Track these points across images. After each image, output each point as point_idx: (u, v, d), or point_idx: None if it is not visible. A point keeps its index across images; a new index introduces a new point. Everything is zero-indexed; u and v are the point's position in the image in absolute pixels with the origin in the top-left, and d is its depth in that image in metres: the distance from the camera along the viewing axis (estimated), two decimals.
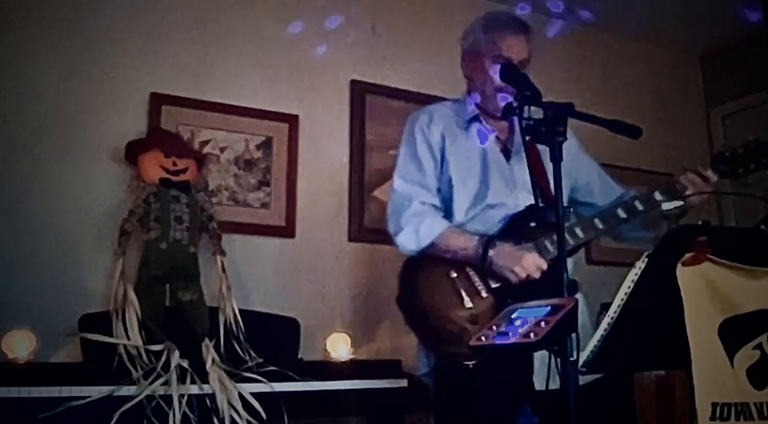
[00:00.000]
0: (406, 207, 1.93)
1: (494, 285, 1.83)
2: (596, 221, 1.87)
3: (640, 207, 1.86)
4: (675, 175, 1.93)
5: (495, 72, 1.89)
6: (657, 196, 1.85)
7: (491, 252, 1.79)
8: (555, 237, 1.76)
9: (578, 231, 1.85)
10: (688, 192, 1.81)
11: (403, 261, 1.98)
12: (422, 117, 2.04)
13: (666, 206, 1.78)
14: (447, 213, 1.98)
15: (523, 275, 1.77)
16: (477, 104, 2.01)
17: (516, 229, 1.87)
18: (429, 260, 1.90)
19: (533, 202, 1.84)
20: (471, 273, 1.85)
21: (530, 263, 1.78)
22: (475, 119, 2.01)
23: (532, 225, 1.86)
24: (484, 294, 1.82)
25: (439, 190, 1.99)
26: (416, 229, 1.89)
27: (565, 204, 1.79)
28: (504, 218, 1.92)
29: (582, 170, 2.09)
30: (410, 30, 3.40)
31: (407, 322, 1.91)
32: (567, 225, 1.80)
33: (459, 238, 1.87)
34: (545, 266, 1.78)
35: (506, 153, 1.99)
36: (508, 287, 1.81)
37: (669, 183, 1.88)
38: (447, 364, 1.84)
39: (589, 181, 2.11)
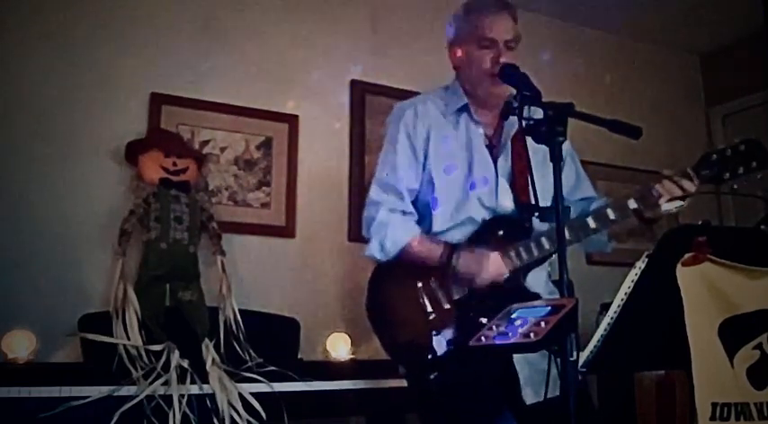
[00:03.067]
0: (374, 216, 1.90)
1: (456, 296, 1.82)
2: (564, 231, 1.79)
3: (612, 216, 1.77)
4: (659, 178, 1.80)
5: (481, 55, 1.84)
6: (632, 204, 1.76)
7: (454, 259, 1.78)
8: (521, 247, 1.78)
9: (544, 241, 1.77)
10: (662, 200, 1.73)
11: (373, 268, 1.96)
12: (408, 112, 1.94)
13: (666, 206, 1.76)
14: (425, 219, 1.92)
15: (488, 279, 1.75)
16: (467, 92, 1.93)
17: (483, 238, 1.84)
18: (397, 268, 1.88)
19: (516, 207, 1.83)
20: (435, 285, 1.83)
21: (493, 268, 1.75)
22: (464, 108, 1.93)
23: (500, 233, 1.83)
24: (446, 305, 1.81)
25: (417, 194, 1.93)
26: (382, 239, 1.87)
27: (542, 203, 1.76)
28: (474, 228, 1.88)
29: (564, 169, 1.95)
30: (410, 30, 3.39)
31: (374, 330, 1.90)
32: (533, 234, 1.79)
33: (424, 245, 1.84)
34: (507, 272, 1.76)
35: (493, 152, 1.90)
36: (470, 300, 1.80)
37: (644, 190, 1.76)
38: (410, 375, 1.84)
39: (567, 181, 1.99)
